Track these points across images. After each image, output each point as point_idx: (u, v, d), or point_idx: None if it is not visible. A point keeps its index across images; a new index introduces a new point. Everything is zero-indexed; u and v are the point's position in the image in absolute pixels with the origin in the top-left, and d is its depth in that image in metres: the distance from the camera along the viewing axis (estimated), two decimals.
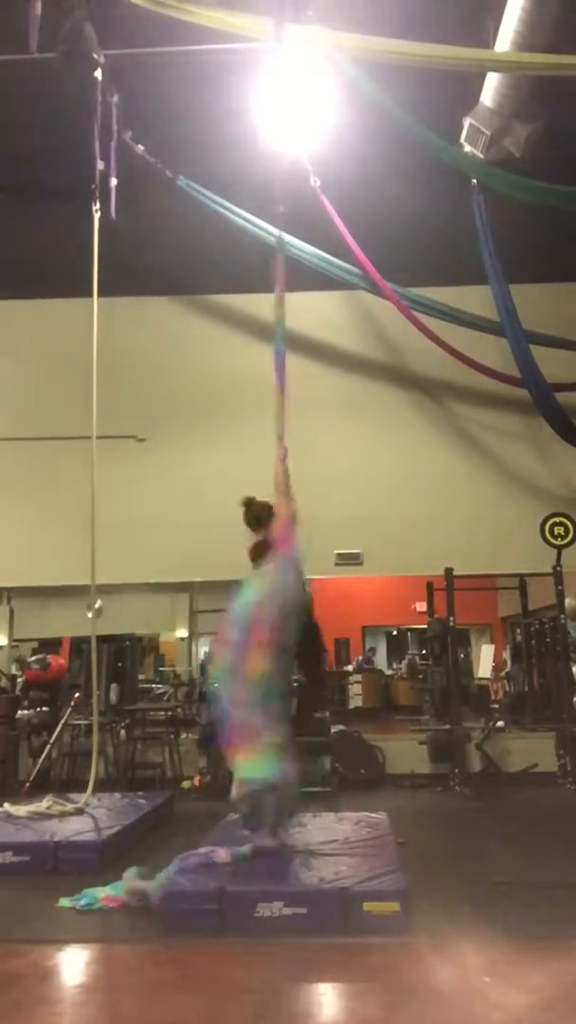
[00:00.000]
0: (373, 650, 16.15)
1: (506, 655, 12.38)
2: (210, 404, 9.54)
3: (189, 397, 9.61)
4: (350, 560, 9.24)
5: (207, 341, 9.70)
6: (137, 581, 9.95)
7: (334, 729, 8.73)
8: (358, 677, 13.91)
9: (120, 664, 9.58)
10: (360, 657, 15.09)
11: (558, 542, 8.87)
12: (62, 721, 8.35)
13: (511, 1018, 3.15)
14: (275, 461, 5.29)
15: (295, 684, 5.71)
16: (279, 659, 4.91)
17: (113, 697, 9.20)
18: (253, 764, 4.83)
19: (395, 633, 17.09)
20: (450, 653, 8.70)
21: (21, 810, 6.27)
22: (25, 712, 8.66)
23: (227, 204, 8.44)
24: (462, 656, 9.60)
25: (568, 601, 8.90)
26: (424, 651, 11.86)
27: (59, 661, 9.22)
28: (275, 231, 6.17)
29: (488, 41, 6.74)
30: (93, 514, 6.72)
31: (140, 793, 7.38)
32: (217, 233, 8.68)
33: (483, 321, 8.73)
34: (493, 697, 10.73)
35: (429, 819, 7.19)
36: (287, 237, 7.77)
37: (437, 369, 9.35)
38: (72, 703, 8.48)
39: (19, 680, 9.64)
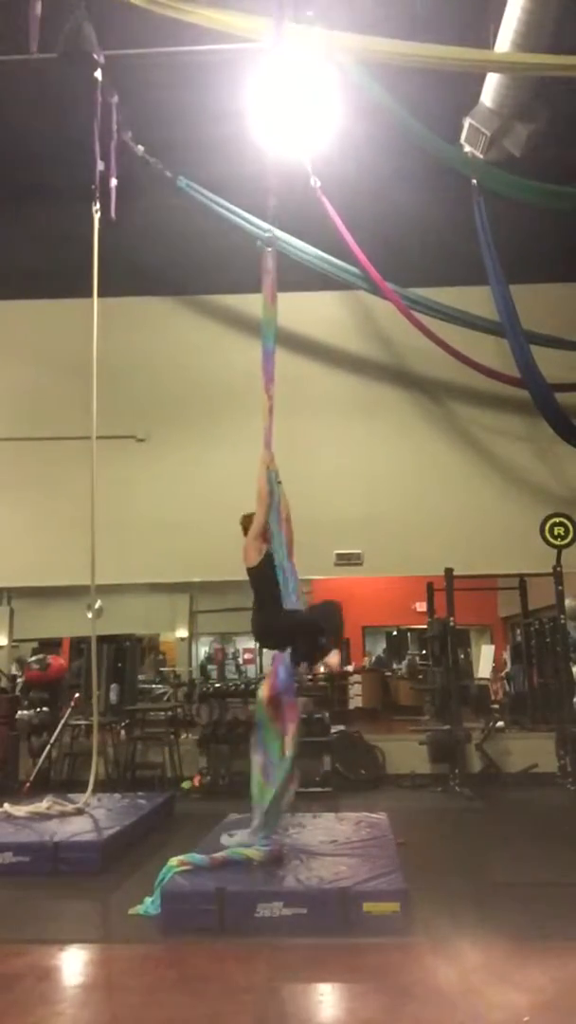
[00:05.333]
0: (380, 658, 16.23)
1: (506, 655, 12.39)
2: (210, 404, 9.53)
3: (189, 397, 9.60)
4: (350, 560, 9.23)
5: (207, 341, 9.68)
6: (137, 581, 9.94)
7: (334, 729, 8.74)
8: (358, 677, 13.92)
9: (120, 664, 9.59)
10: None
11: (558, 542, 8.87)
12: (62, 721, 8.34)
13: (511, 1018, 3.15)
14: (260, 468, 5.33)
15: None
16: None
17: (113, 697, 9.21)
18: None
19: (395, 633, 17.08)
20: (450, 653, 8.69)
21: (21, 810, 6.27)
22: (25, 712, 8.65)
23: (227, 204, 8.43)
24: (462, 656, 9.60)
25: (568, 601, 8.90)
26: (424, 651, 11.85)
27: (59, 661, 9.22)
28: (266, 228, 5.99)
29: (488, 41, 6.74)
30: (93, 514, 6.72)
31: (140, 793, 7.39)
32: (217, 233, 8.67)
33: (483, 321, 8.72)
34: (493, 697, 10.71)
35: (429, 819, 7.20)
36: (287, 237, 7.81)
37: (437, 369, 9.35)
38: (72, 703, 8.48)
39: (19, 680, 9.64)
